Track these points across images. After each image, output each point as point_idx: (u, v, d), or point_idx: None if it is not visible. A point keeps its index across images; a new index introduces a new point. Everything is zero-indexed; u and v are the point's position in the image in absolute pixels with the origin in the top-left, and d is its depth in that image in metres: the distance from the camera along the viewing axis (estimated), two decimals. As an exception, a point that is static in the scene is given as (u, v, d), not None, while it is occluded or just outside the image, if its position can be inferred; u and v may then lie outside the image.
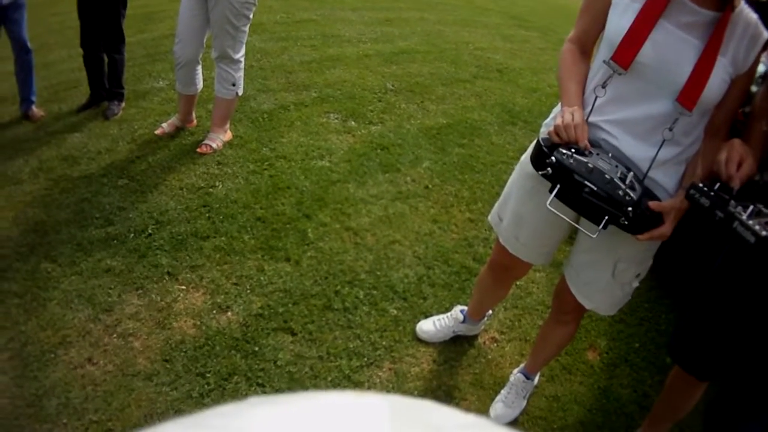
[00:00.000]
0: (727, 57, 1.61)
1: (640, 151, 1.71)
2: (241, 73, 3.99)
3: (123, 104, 4.56)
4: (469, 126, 4.98)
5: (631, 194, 1.60)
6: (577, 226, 1.84)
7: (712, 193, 1.52)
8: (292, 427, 0.32)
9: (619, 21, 1.69)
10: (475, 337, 2.83)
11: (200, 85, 4.13)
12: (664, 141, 1.67)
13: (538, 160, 1.72)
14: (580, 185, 1.61)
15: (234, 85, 3.95)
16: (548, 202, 1.69)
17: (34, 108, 4.37)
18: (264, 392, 2.44)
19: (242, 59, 3.95)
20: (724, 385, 2.03)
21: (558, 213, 1.73)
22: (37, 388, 2.36)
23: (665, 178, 1.75)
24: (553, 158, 1.64)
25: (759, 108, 1.76)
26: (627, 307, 2.17)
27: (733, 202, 1.49)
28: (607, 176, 1.61)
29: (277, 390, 2.46)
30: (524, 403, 2.51)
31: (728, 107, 1.71)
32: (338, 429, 0.32)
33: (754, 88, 2.11)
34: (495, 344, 2.83)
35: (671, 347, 2.14)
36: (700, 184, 1.55)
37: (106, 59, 4.43)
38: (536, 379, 2.59)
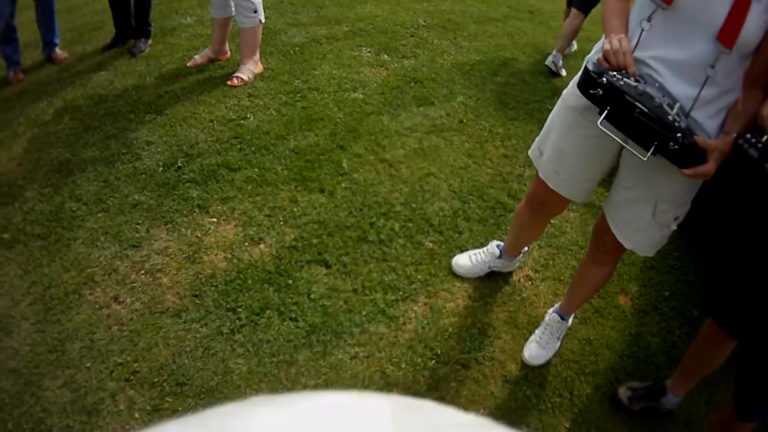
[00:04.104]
0: (762, 4, 1.60)
1: (684, 89, 1.70)
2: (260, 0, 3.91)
3: (150, 41, 4.49)
4: (502, 64, 4.85)
5: (680, 122, 1.61)
6: (626, 146, 1.81)
7: (760, 145, 1.53)
8: (293, 427, 0.32)
9: None
10: (510, 274, 2.79)
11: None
12: (707, 79, 1.67)
13: (587, 85, 1.70)
14: (632, 106, 1.61)
15: (255, 12, 3.87)
16: (599, 122, 1.68)
17: (57, 50, 4.31)
18: (297, 327, 2.43)
19: None
20: (748, 352, 1.98)
21: (609, 132, 1.73)
22: (59, 331, 2.34)
23: (707, 120, 1.74)
24: (604, 79, 1.64)
25: None
26: (657, 253, 2.13)
27: None
28: (656, 101, 1.62)
29: (311, 324, 2.45)
30: (558, 344, 2.50)
31: (766, 57, 1.71)
32: (340, 430, 0.32)
33: None
34: (529, 282, 2.80)
35: (706, 300, 2.11)
36: (748, 135, 1.56)
37: (132, -1, 4.35)
38: (570, 320, 2.57)
